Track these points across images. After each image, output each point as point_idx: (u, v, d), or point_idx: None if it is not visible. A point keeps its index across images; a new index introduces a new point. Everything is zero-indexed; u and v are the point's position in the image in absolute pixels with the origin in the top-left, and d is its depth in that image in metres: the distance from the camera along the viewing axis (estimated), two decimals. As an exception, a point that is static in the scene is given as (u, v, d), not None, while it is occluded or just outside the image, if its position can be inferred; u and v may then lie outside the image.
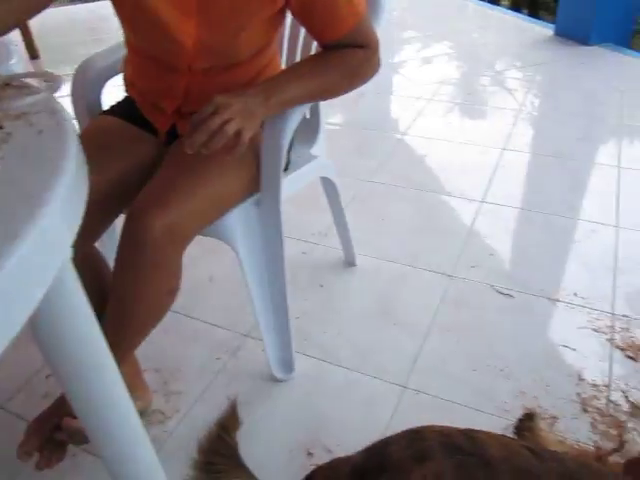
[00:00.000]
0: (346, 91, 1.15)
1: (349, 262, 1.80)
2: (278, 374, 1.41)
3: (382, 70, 1.15)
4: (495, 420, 1.28)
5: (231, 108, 0.96)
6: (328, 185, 1.59)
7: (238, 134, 0.96)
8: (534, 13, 4.62)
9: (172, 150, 1.18)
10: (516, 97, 2.98)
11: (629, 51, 3.55)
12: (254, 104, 1.00)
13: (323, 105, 1.42)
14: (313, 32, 1.12)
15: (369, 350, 1.50)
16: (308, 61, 1.14)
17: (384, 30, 1.21)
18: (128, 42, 1.21)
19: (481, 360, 1.46)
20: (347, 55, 1.10)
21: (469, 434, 0.92)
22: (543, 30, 3.96)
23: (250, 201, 1.21)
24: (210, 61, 1.11)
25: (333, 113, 2.84)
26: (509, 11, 4.53)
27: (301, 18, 1.10)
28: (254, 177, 1.18)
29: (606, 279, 1.71)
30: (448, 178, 2.27)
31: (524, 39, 3.85)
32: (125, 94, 1.31)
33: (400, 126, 2.73)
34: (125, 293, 1.05)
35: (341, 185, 1.57)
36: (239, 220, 1.19)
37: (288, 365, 1.43)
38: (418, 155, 2.48)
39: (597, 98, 2.92)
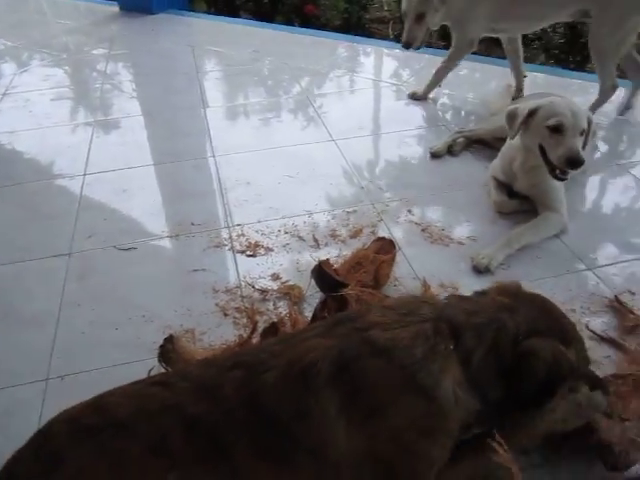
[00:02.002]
0: None
1: (-55, 285, 1.52)
2: None
3: None
4: (149, 362, 1.25)
5: None
6: None
7: None
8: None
9: None
10: (99, 71, 2.92)
11: (191, 13, 3.83)
12: None
13: None
14: None
15: (-4, 363, 1.31)
16: None
17: None
18: None
19: (121, 316, 1.42)
20: None
21: (99, 404, 0.86)
22: (109, 8, 3.94)
23: None
24: None
25: None
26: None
27: None
28: None
29: (216, 201, 1.84)
30: (43, 163, 2.10)
31: (95, 19, 3.79)
32: None
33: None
34: None
35: None
36: None
37: None
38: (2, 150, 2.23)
39: (172, 56, 3.08)
